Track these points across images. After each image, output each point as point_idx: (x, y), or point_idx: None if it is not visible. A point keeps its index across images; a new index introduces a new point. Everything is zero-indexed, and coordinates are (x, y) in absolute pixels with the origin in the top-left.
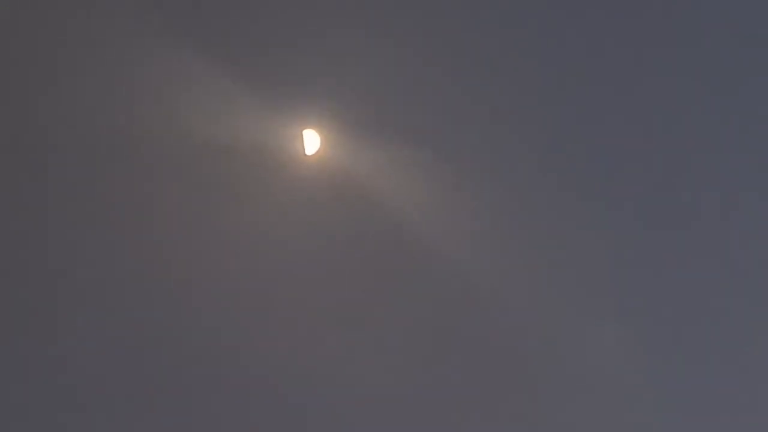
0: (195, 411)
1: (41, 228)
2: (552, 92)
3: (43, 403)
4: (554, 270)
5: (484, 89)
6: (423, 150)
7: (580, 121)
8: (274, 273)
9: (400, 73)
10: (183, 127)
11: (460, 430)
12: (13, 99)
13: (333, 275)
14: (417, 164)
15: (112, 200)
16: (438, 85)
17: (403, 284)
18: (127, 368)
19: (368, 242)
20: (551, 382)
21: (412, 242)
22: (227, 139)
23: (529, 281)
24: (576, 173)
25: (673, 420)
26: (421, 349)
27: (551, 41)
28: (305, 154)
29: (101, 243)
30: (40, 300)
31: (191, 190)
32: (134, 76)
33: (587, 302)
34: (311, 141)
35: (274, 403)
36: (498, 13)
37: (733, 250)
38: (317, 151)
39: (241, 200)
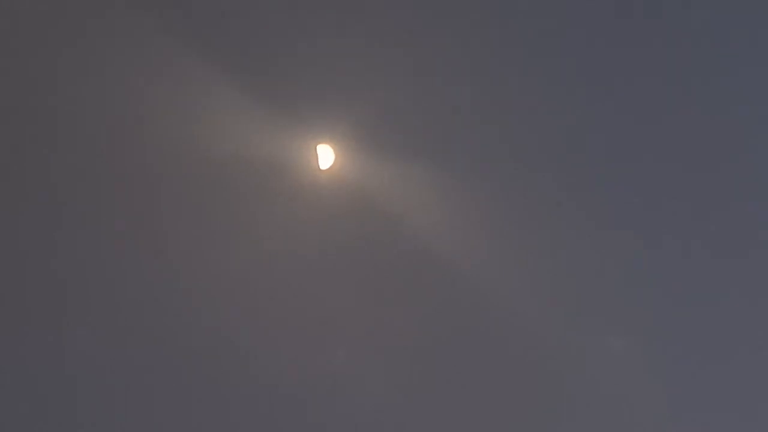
0: (201, 417)
1: (52, 241)
2: (570, 110)
3: (47, 404)
4: (567, 284)
5: (501, 106)
6: (438, 165)
7: (595, 139)
8: (287, 287)
9: (416, 87)
10: (195, 142)
11: None
12: (21, 108)
13: (347, 290)
14: (431, 179)
15: (120, 215)
16: (454, 101)
17: (418, 299)
18: (138, 380)
19: (382, 257)
20: (560, 394)
21: (426, 257)
22: (240, 154)
23: (543, 295)
24: (590, 190)
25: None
26: (434, 360)
27: (573, 61)
28: (319, 169)
29: (111, 258)
30: (50, 315)
31: (203, 204)
32: (145, 89)
33: (598, 315)
34: (325, 156)
35: (289, 413)
36: (517, 33)
37: (744, 259)
38: (331, 166)
39: (255, 215)
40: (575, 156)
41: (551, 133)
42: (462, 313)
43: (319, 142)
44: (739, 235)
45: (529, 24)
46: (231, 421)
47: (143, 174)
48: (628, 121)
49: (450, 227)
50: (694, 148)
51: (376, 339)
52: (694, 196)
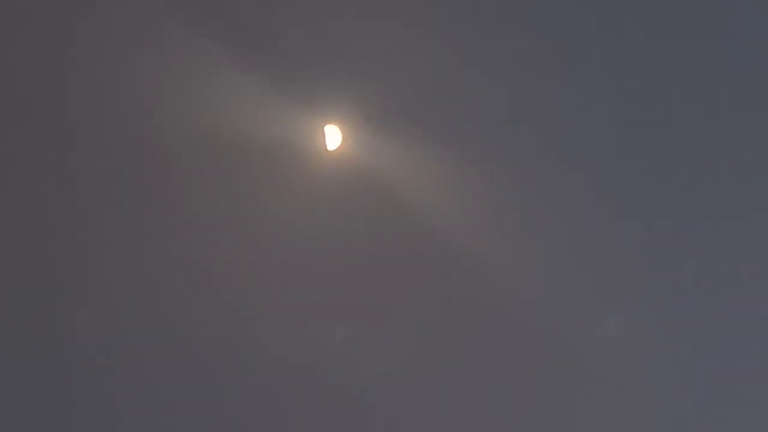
0: (207, 399)
1: (65, 223)
2: (575, 92)
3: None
4: (572, 265)
5: (507, 87)
6: (444, 146)
7: (600, 120)
8: (293, 268)
9: (423, 68)
10: (203, 122)
11: (474, 424)
12: (37, 95)
13: (353, 270)
14: (438, 160)
15: (130, 195)
16: (460, 82)
17: (423, 280)
18: (141, 358)
19: (389, 238)
20: (567, 377)
21: (432, 238)
22: (248, 135)
23: (548, 276)
24: (595, 170)
25: (686, 414)
26: (439, 342)
27: (578, 42)
28: (327, 150)
29: (121, 238)
30: (56, 296)
31: (211, 184)
32: (155, 70)
33: (604, 297)
34: (333, 136)
35: (293, 396)
36: (524, 12)
37: (748, 245)
38: (339, 147)
39: (262, 195)
40: (589, 139)
41: (563, 116)
42: (470, 294)
43: (327, 123)
44: (751, 229)
45: (538, 7)
46: (238, 402)
47: (151, 155)
48: (634, 109)
49: (457, 208)
50: (705, 141)
51: (383, 319)
52: (707, 188)
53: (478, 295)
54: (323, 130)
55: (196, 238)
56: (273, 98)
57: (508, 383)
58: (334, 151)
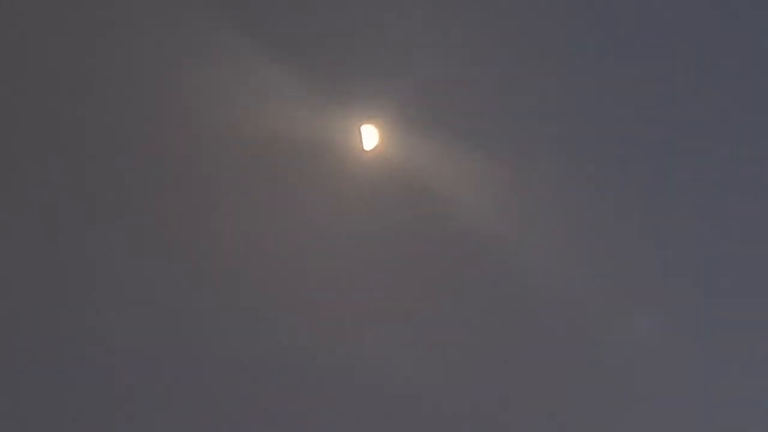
0: (248, 401)
1: (104, 223)
2: (610, 91)
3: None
4: (608, 262)
5: (543, 86)
6: (480, 145)
7: (634, 119)
8: (332, 267)
9: (459, 68)
10: (241, 123)
11: (507, 420)
12: (74, 94)
13: (391, 269)
14: (474, 159)
15: (168, 194)
16: (496, 81)
17: (461, 278)
18: (177, 356)
19: (426, 237)
20: (601, 373)
21: (469, 237)
22: (286, 135)
23: (584, 275)
24: (628, 168)
25: (713, 411)
26: (475, 341)
27: (612, 40)
28: (364, 150)
29: (160, 237)
30: (92, 295)
31: (249, 185)
32: (191, 71)
33: (641, 295)
34: (370, 136)
35: (328, 395)
36: (559, 12)
37: None
38: (376, 147)
39: (300, 195)
40: (624, 137)
41: (597, 115)
42: (507, 291)
43: (364, 123)
44: None
45: (572, 5)
46: (273, 400)
47: (188, 155)
48: (668, 104)
49: (494, 207)
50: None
51: (421, 318)
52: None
53: (515, 293)
54: (360, 130)
55: (233, 238)
56: (310, 99)
57: (543, 381)
58: (371, 150)
